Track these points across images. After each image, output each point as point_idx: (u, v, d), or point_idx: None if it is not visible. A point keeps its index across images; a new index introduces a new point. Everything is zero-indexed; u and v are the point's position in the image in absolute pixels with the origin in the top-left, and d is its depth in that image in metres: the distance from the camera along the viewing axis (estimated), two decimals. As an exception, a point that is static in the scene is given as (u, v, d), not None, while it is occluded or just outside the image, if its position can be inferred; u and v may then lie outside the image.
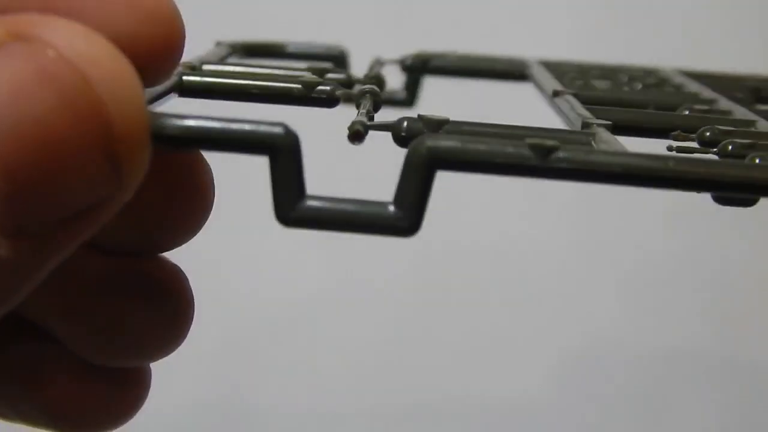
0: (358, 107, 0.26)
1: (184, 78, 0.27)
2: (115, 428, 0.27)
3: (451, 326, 0.60)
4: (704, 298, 0.60)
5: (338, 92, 0.27)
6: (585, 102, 0.28)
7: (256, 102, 0.28)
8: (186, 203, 0.25)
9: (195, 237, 0.26)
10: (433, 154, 0.20)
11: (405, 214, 0.20)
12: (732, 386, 0.59)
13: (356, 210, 0.20)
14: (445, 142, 0.20)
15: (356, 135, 0.21)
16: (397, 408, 0.58)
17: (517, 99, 0.38)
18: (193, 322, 0.26)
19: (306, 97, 0.27)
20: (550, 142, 0.20)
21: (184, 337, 0.26)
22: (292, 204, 0.20)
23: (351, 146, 0.22)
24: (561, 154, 0.20)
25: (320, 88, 0.27)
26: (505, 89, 0.38)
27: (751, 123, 0.27)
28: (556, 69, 0.35)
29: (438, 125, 0.22)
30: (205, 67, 0.29)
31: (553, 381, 0.59)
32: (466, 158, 0.20)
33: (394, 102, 0.38)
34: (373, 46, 0.37)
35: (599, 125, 0.24)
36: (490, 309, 0.60)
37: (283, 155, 0.20)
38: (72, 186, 0.19)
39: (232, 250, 0.61)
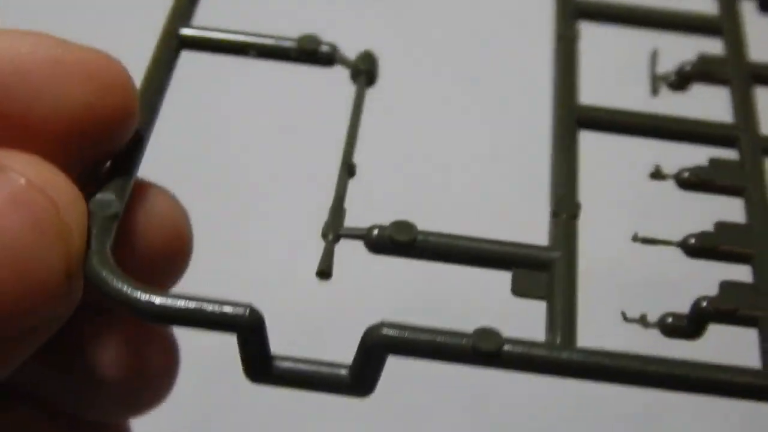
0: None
1: (184, 31, 0.27)
2: None
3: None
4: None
5: (337, 54, 0.28)
6: None
7: (255, 58, 0.28)
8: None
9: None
10: (386, 341, 0.22)
11: (359, 385, 0.22)
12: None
13: (314, 371, 0.22)
14: (397, 333, 0.22)
15: (323, 273, 0.23)
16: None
17: None
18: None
19: (305, 54, 0.28)
20: (489, 346, 0.21)
21: (168, 393, 0.27)
22: (259, 369, 0.22)
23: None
24: (503, 355, 0.22)
25: (320, 48, 0.28)
26: None
27: None
28: None
29: (408, 227, 0.24)
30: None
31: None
32: (414, 348, 0.22)
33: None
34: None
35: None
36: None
37: (249, 333, 0.22)
38: (36, 304, 0.20)
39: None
